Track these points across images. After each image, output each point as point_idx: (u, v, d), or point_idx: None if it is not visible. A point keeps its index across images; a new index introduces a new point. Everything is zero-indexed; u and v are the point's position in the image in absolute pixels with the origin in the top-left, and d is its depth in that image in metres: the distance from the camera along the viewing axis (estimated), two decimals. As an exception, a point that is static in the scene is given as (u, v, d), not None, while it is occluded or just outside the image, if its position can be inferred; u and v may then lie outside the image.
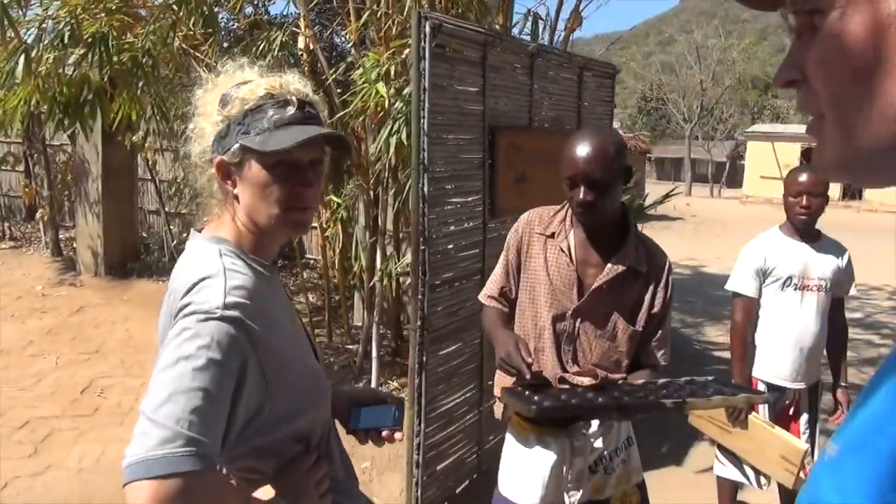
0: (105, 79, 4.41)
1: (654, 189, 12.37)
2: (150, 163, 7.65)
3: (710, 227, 17.08)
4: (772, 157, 26.50)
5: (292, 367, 1.16)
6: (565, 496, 1.92)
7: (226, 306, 1.03)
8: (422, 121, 2.82)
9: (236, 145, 1.14)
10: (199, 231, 1.24)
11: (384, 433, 1.34)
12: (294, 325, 1.27)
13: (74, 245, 8.25)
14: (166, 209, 8.00)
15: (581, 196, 1.76)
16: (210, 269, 1.09)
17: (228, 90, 1.17)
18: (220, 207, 1.22)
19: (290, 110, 1.14)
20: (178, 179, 7.74)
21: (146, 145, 5.93)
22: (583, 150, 1.76)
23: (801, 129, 28.74)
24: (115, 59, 4.12)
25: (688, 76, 33.81)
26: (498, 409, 2.06)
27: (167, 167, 8.28)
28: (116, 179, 7.70)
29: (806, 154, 25.70)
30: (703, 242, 13.53)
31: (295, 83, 1.19)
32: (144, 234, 8.78)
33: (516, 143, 3.40)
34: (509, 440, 2.03)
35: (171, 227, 7.90)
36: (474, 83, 3.16)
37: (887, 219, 20.95)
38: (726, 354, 5.97)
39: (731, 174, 33.72)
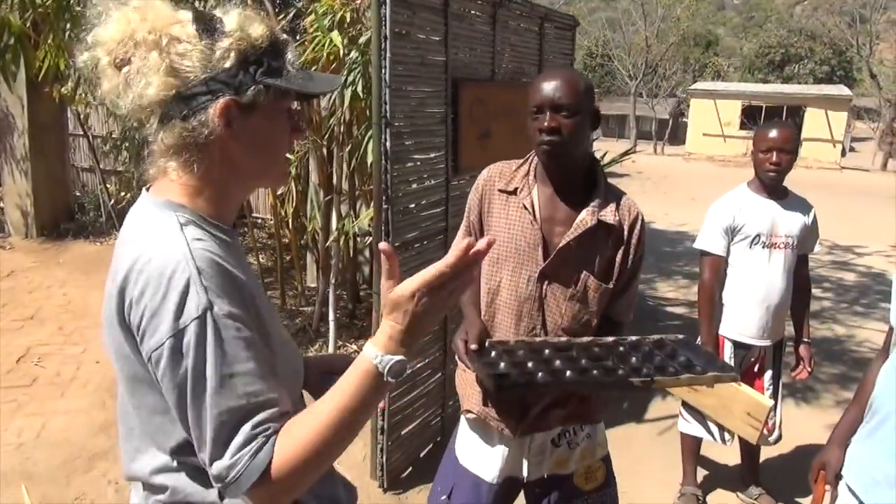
0: (28, 23, 4.03)
1: (598, 146, 12.43)
2: (81, 117, 7.17)
3: (657, 185, 17.35)
4: (714, 115, 27.00)
5: (278, 346, 1.05)
6: (525, 469, 1.83)
7: (210, 304, 0.91)
8: (383, 71, 2.64)
9: (258, 86, 1.00)
10: (147, 190, 1.06)
11: None
12: (262, 292, 1.14)
13: (1, 205, 7.75)
14: (101, 166, 7.55)
15: (547, 122, 1.62)
16: (173, 255, 0.93)
17: (218, 18, 1.00)
18: (186, 163, 1.01)
19: (294, 51, 1.06)
20: (112, 135, 7.30)
21: (76, 97, 5.49)
22: (550, 79, 1.64)
23: (741, 86, 29.36)
24: (38, 0, 3.76)
25: (633, 33, 33.88)
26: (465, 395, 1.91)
27: (101, 122, 7.80)
28: (45, 134, 7.21)
29: (746, 112, 26.29)
30: (651, 199, 13.69)
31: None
32: (78, 194, 8.31)
33: (480, 96, 3.26)
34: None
35: (108, 185, 7.47)
36: (436, 32, 2.99)
37: (820, 175, 21.72)
38: (679, 310, 6.11)
39: (673, 131, 34.25)
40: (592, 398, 1.79)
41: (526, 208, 1.73)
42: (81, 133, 7.67)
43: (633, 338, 1.70)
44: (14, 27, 3.82)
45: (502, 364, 1.51)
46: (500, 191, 1.78)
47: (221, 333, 0.91)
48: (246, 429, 0.90)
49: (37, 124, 7.06)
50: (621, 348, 1.61)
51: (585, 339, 1.69)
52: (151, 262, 0.93)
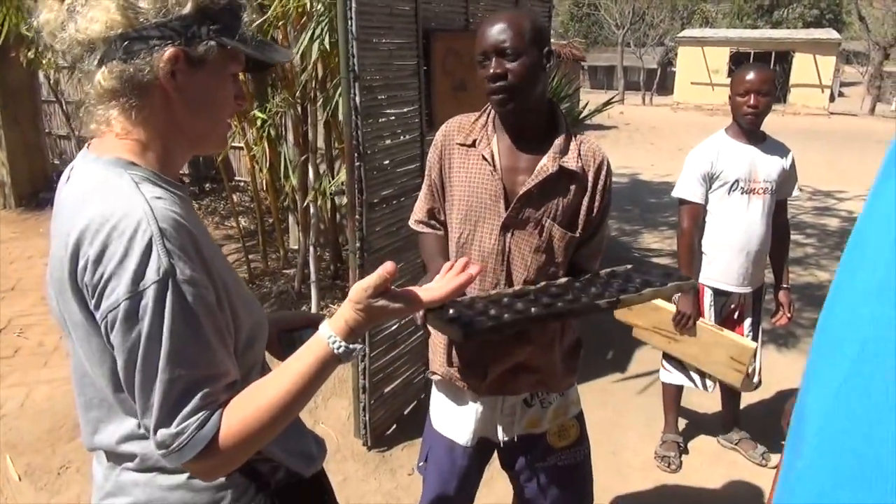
0: (-16, -16, 3.87)
1: (586, 98, 12.31)
2: (51, 82, 6.98)
3: (644, 136, 17.24)
4: (702, 63, 26.70)
5: (237, 302, 1.02)
6: (498, 430, 1.81)
7: (171, 268, 0.88)
8: (349, 22, 2.55)
9: (210, 42, 0.97)
10: (88, 148, 1.02)
11: None
12: (219, 250, 1.10)
13: (-23, 176, 7.61)
14: (77, 133, 7.40)
15: (492, 68, 1.56)
16: (133, 214, 0.89)
17: None
18: (125, 108, 0.96)
19: (250, 16, 1.06)
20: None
21: (44, 62, 5.31)
22: (493, 23, 1.57)
23: (730, 32, 28.96)
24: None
25: (620, -20, 33.23)
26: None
27: (74, 87, 7.61)
28: (17, 101, 7.05)
29: (735, 59, 25.99)
30: (638, 150, 13.63)
31: None
32: (57, 162, 8.16)
33: (453, 47, 3.17)
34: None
35: (85, 152, 7.32)
36: (405, -20, 2.89)
37: (809, 121, 21.64)
38: (665, 260, 6.10)
39: (661, 81, 33.90)
40: (558, 368, 1.76)
41: (485, 159, 1.66)
42: (54, 99, 7.49)
43: (586, 276, 1.66)
44: (-32, -12, 3.67)
45: (463, 315, 1.44)
46: (460, 145, 1.71)
47: (181, 300, 0.89)
48: (195, 399, 0.91)
49: (7, 91, 6.90)
50: (577, 284, 1.57)
51: (540, 283, 1.63)
52: (110, 221, 0.89)
